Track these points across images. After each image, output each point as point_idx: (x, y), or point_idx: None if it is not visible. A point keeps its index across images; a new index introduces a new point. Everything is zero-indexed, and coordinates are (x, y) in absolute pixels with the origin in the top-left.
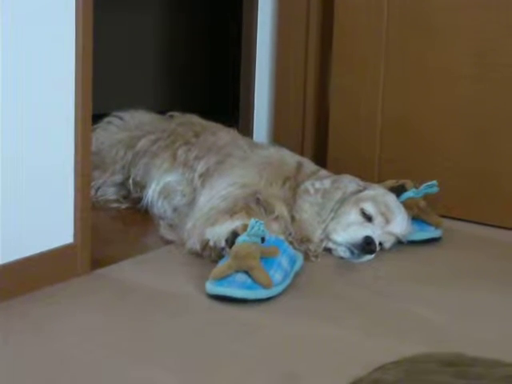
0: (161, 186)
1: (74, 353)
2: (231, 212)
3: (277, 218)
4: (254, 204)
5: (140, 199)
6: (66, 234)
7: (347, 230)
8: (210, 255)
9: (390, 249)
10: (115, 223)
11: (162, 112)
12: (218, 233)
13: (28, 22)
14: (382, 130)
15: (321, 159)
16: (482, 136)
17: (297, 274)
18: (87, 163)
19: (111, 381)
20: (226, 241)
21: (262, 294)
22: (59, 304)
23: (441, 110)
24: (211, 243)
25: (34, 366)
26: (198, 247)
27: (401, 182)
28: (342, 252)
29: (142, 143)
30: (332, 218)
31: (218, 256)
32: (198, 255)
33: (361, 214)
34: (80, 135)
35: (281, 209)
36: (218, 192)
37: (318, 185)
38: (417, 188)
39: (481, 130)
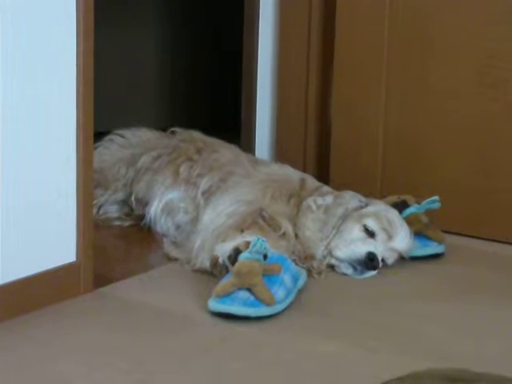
0: (163, 203)
1: (76, 372)
2: (242, 227)
3: (284, 235)
4: (261, 221)
5: (143, 216)
6: (69, 253)
7: (350, 246)
8: (220, 272)
9: (393, 265)
10: (118, 241)
11: (163, 129)
12: (225, 249)
13: (27, 39)
14: (385, 145)
15: (323, 175)
16: (484, 152)
17: (300, 291)
18: (89, 181)
19: None
20: (229, 258)
21: (264, 311)
22: (62, 323)
23: (443, 124)
24: (220, 260)
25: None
26: (207, 265)
27: (403, 197)
28: (345, 268)
29: (144, 160)
30: (334, 235)
31: (226, 272)
32: (206, 273)
33: (363, 230)
34: (82, 153)
35: (286, 225)
36: (223, 210)
37: (320, 201)
38: (419, 204)
39: (483, 145)
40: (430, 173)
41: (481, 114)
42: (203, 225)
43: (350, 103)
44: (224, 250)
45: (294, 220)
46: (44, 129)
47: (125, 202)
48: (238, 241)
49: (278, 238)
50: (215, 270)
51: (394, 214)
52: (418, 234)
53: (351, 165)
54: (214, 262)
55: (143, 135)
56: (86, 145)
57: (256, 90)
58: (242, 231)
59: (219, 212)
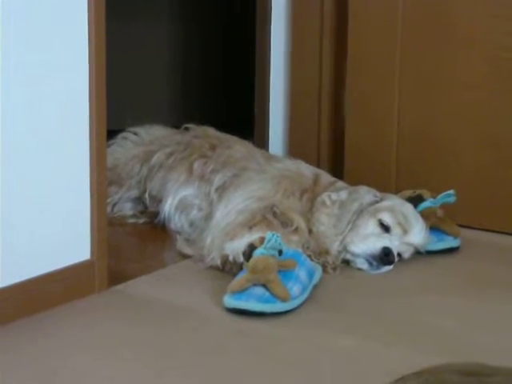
0: (177, 200)
1: (92, 370)
2: (250, 225)
3: (296, 230)
4: (271, 217)
5: (157, 214)
6: (83, 251)
7: (365, 242)
8: (231, 270)
9: (409, 259)
10: (132, 239)
11: (176, 126)
12: (236, 247)
13: (40, 36)
14: (399, 140)
15: (337, 171)
16: (500, 144)
17: (315, 287)
18: (103, 179)
19: None
20: (243, 254)
21: (280, 307)
22: (77, 320)
23: (458, 119)
24: (230, 258)
25: (52, 382)
26: (218, 262)
27: (418, 191)
28: (361, 263)
29: (158, 157)
30: (349, 230)
31: (239, 270)
32: (218, 270)
33: (378, 224)
34: (95, 151)
35: (299, 221)
36: (235, 206)
37: (334, 196)
38: (434, 198)
39: (498, 138)
40: (445, 167)
41: (495, 106)
42: (215, 222)
43: (364, 98)
44: (233, 247)
45: (308, 215)
46: (57, 127)
47: (139, 200)
48: (246, 238)
49: (288, 234)
50: (226, 268)
51: (409, 208)
52: (434, 228)
53: (366, 159)
54: (224, 260)
55: (156, 132)
56: (100, 142)
57: (269, 86)
58: (251, 228)
59: (230, 209)
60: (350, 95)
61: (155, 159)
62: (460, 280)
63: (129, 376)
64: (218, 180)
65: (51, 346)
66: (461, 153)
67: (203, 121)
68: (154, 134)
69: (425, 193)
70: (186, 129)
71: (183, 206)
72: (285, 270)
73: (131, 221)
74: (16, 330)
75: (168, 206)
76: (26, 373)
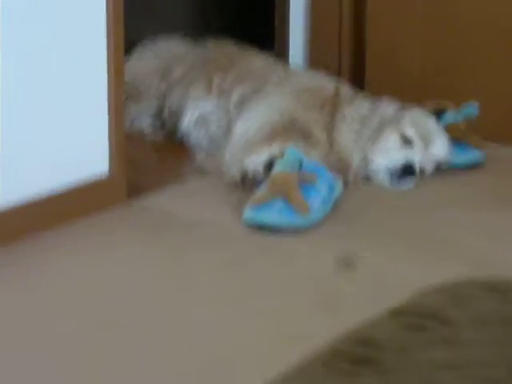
0: (196, 115)
1: (112, 283)
2: (270, 138)
3: (316, 144)
4: (292, 130)
5: (176, 129)
6: (102, 164)
7: (387, 156)
8: (251, 185)
9: (431, 174)
10: (151, 154)
11: (195, 40)
12: (256, 162)
13: None
14: (422, 49)
15: (358, 81)
16: None
17: (336, 201)
18: (120, 92)
19: (152, 314)
20: (264, 167)
21: (300, 221)
22: (96, 235)
23: (484, 26)
24: (250, 172)
25: (73, 295)
26: (238, 177)
27: (441, 103)
28: (382, 178)
29: (177, 71)
30: (371, 144)
31: (259, 185)
32: (237, 185)
33: (400, 138)
34: (112, 63)
35: (320, 134)
36: (255, 120)
37: (355, 111)
38: (457, 109)
39: None
40: (469, 79)
41: None
42: (234, 137)
43: (386, 5)
44: (253, 162)
45: (328, 128)
46: (73, 37)
47: (158, 115)
48: (266, 151)
49: (308, 147)
50: (245, 183)
51: (431, 121)
52: (457, 141)
53: (387, 69)
54: (244, 175)
55: (176, 46)
56: (117, 54)
57: None
58: (271, 142)
59: (251, 123)
60: (372, 2)
61: (174, 74)
62: (483, 194)
63: (146, 287)
64: (237, 94)
65: (68, 258)
66: (485, 65)
67: (222, 34)
68: (173, 47)
69: (448, 104)
70: (205, 43)
71: (202, 122)
72: (305, 184)
73: (150, 136)
74: (34, 243)
75: (187, 122)
76: (43, 285)
